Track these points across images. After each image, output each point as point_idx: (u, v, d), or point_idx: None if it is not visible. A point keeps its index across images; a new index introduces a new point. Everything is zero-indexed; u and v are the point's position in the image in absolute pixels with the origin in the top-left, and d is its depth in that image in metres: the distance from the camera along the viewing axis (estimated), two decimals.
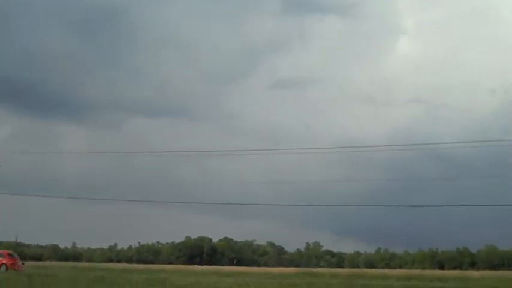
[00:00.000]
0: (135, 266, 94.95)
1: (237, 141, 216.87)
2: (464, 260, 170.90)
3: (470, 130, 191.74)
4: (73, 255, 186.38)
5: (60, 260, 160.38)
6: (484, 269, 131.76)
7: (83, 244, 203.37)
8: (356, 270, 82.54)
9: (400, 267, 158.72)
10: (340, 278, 56.49)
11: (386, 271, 75.21)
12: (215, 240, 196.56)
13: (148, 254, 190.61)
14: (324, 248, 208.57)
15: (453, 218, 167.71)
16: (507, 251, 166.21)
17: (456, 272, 72.29)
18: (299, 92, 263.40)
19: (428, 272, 68.88)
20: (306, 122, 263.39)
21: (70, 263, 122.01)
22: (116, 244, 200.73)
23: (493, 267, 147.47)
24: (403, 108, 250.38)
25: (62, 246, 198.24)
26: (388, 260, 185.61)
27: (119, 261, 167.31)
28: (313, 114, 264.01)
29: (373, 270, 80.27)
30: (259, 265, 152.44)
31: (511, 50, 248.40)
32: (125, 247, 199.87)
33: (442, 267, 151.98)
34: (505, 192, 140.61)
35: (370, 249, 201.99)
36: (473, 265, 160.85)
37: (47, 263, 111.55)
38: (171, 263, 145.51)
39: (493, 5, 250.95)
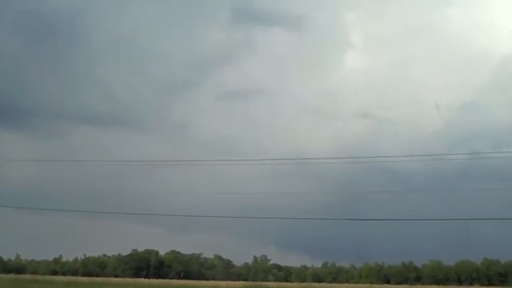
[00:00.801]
0: (79, 278, 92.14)
1: (185, 152, 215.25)
2: (409, 274, 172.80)
3: (413, 145, 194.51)
4: (16, 267, 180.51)
5: (2, 272, 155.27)
6: (430, 283, 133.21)
7: (27, 256, 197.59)
8: (306, 284, 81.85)
9: (347, 281, 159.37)
10: None
11: (335, 285, 74.71)
12: (162, 253, 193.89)
13: (94, 267, 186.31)
14: (271, 262, 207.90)
15: (399, 232, 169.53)
16: (451, 266, 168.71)
17: (404, 287, 72.25)
18: (247, 103, 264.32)
19: (377, 287, 68.59)
20: (253, 134, 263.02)
21: (12, 276, 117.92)
22: (61, 256, 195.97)
23: (437, 281, 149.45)
24: (350, 122, 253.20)
25: (5, 258, 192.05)
26: (335, 274, 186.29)
27: (63, 274, 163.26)
28: (261, 127, 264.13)
29: (322, 285, 79.71)
30: (206, 278, 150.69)
31: (455, 66, 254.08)
32: (70, 259, 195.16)
33: (388, 282, 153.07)
34: (449, 206, 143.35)
35: (317, 264, 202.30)
36: (418, 279, 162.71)
37: None
38: (117, 276, 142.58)
39: (437, 23, 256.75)
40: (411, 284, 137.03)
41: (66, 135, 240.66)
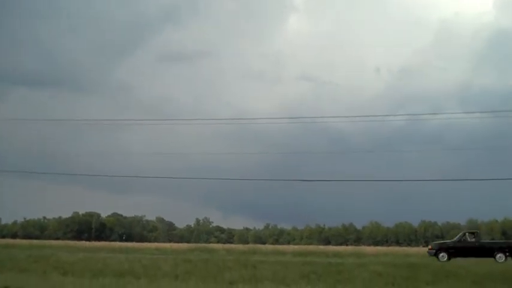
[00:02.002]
0: (18, 241, 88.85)
1: (126, 113, 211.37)
2: (349, 236, 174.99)
3: (355, 108, 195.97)
4: None
5: None
6: (369, 244, 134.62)
7: None
8: (251, 246, 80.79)
9: (289, 243, 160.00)
10: (235, 254, 54.17)
11: (280, 247, 73.97)
12: (104, 215, 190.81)
13: (34, 230, 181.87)
14: (213, 224, 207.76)
15: (339, 194, 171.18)
16: (390, 228, 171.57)
17: (349, 248, 72.02)
18: (190, 65, 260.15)
19: (322, 248, 68.19)
20: (196, 96, 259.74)
21: None
22: None
23: (376, 243, 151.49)
24: (292, 85, 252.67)
25: None
26: (277, 236, 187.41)
27: (3, 237, 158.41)
28: (204, 89, 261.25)
29: (267, 246, 78.83)
30: (149, 241, 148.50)
31: (398, 29, 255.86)
32: (9, 222, 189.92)
33: (328, 243, 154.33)
34: (389, 168, 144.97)
35: (259, 226, 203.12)
36: (358, 241, 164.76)
37: None
38: (58, 239, 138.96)
39: None
40: (350, 245, 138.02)
41: (2, 96, 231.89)
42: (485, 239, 66.87)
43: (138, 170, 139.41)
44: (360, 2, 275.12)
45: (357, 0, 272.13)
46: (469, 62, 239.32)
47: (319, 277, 33.35)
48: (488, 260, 43.05)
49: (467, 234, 49.26)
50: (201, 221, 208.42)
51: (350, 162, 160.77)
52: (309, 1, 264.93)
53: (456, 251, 46.67)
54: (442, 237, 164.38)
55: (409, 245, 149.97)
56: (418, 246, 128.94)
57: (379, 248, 74.35)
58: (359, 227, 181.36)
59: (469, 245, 46.52)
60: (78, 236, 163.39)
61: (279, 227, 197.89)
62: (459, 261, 43.34)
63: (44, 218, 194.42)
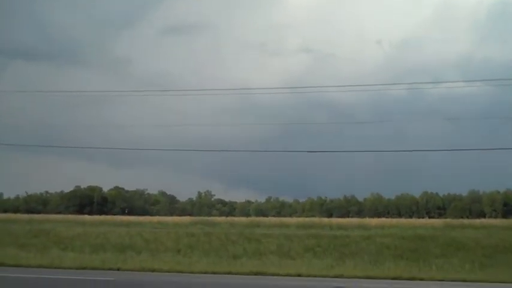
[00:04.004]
0: (19, 216, 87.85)
1: (126, 86, 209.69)
2: (351, 208, 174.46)
3: (356, 80, 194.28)
4: None
5: None
6: (370, 216, 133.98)
7: None
8: (253, 218, 79.92)
9: (290, 215, 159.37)
10: (238, 227, 53.38)
11: (283, 219, 72.99)
12: (105, 189, 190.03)
13: (37, 204, 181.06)
14: (215, 197, 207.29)
15: (341, 166, 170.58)
16: (391, 200, 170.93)
17: (354, 220, 71.14)
18: (190, 38, 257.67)
19: (325, 220, 67.21)
20: (196, 69, 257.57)
21: None
22: (1, 194, 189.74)
23: (378, 214, 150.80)
24: (293, 57, 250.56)
25: None
26: (279, 209, 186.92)
27: (5, 212, 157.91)
28: (204, 62, 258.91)
29: (270, 219, 77.92)
30: (151, 214, 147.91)
31: (397, 2, 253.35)
32: (12, 197, 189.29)
33: (330, 215, 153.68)
34: (389, 140, 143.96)
35: (261, 198, 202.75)
36: (359, 213, 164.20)
37: None
38: (59, 213, 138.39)
39: None
40: (352, 217, 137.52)
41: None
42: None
43: (139, 143, 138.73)
44: None
45: None
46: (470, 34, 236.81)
47: (325, 250, 32.56)
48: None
49: None
50: (203, 194, 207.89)
51: (351, 134, 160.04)
52: None
53: None
54: (444, 209, 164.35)
55: (410, 216, 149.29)
56: (420, 217, 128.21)
57: (384, 220, 73.19)
58: (360, 199, 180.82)
59: None
60: (80, 210, 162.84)
61: (280, 199, 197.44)
62: (469, 232, 42.43)
63: (46, 192, 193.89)
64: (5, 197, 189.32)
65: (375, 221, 68.05)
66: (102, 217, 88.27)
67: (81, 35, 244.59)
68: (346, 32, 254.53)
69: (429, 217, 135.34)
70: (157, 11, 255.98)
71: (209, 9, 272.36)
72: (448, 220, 72.54)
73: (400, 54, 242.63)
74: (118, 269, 26.95)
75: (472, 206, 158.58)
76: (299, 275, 25.57)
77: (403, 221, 77.71)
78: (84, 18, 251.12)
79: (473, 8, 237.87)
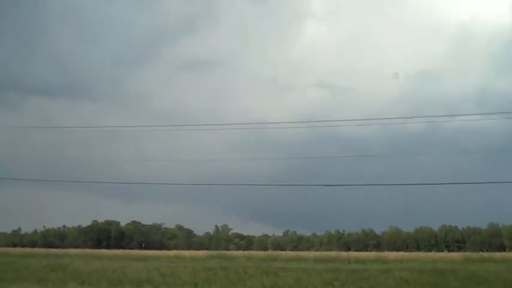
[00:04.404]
0: (36, 250, 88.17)
1: (142, 122, 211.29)
2: (369, 241, 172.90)
3: (372, 114, 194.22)
4: None
5: None
6: (389, 250, 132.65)
7: None
8: (271, 252, 79.56)
9: (308, 249, 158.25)
10: (255, 261, 53.08)
11: (300, 253, 72.58)
12: (123, 224, 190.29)
13: (54, 239, 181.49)
14: (232, 231, 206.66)
15: (359, 199, 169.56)
16: (410, 233, 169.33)
17: (372, 254, 70.49)
18: (205, 74, 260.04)
19: (343, 254, 66.73)
20: (210, 104, 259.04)
21: None
22: (20, 228, 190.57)
23: (396, 248, 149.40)
24: (308, 92, 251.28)
25: None
26: (296, 242, 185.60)
27: (23, 246, 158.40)
28: (218, 97, 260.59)
29: (287, 253, 77.49)
30: (168, 249, 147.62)
31: (414, 35, 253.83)
32: (30, 231, 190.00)
33: (348, 249, 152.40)
34: (406, 172, 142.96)
35: (278, 232, 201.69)
36: (378, 246, 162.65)
37: None
38: (77, 248, 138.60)
39: None
40: (370, 251, 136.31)
41: (17, 106, 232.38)
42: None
43: (156, 177, 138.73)
44: (379, 8, 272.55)
45: (376, 6, 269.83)
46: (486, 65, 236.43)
47: (343, 284, 32.19)
48: None
49: None
50: (220, 228, 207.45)
51: (367, 168, 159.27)
52: (327, 6, 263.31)
53: None
54: (463, 242, 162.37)
55: (429, 250, 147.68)
56: (439, 251, 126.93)
57: (402, 254, 72.63)
58: (378, 232, 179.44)
59: None
60: (98, 244, 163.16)
61: (298, 233, 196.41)
62: (489, 265, 41.89)
63: (64, 226, 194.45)
64: (23, 231, 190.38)
65: (393, 254, 67.59)
66: (120, 251, 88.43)
67: (97, 70, 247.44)
68: (363, 66, 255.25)
69: (448, 250, 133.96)
70: (171, 48, 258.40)
71: (223, 46, 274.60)
72: (468, 253, 71.78)
73: (416, 87, 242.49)
74: None
75: (492, 239, 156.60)
76: None
77: (421, 254, 77.04)
78: (100, 54, 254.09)
79: (490, 39, 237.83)
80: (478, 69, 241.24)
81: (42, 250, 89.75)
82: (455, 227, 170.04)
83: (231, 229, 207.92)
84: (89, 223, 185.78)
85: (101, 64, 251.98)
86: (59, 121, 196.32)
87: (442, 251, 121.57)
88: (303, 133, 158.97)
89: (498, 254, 67.26)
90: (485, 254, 65.99)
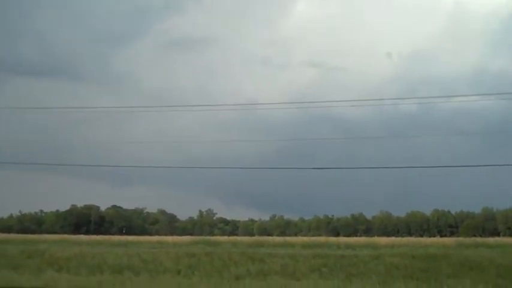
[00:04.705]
0: (12, 236, 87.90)
1: (127, 103, 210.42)
2: (359, 226, 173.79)
3: (364, 94, 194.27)
4: None
5: None
6: (379, 235, 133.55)
7: None
8: (257, 238, 79.80)
9: (296, 234, 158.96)
10: (241, 247, 53.21)
11: (287, 239, 72.84)
12: (103, 208, 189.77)
13: (31, 224, 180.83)
14: (217, 216, 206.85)
15: (348, 183, 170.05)
16: (401, 218, 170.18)
17: (362, 239, 70.94)
18: (193, 53, 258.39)
19: (332, 239, 67.06)
20: (201, 84, 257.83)
21: None
22: None
23: (387, 233, 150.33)
24: (300, 71, 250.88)
25: None
26: (283, 228, 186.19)
27: None
28: (208, 77, 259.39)
29: (274, 238, 77.78)
30: (150, 234, 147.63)
31: (408, 13, 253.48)
32: (5, 216, 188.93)
33: (337, 234, 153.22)
34: (399, 155, 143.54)
35: (265, 217, 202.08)
36: (368, 231, 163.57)
37: None
38: (55, 233, 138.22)
39: None
40: (360, 236, 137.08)
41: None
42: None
43: (139, 160, 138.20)
44: None
45: None
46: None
47: (332, 270, 32.31)
48: None
49: None
50: (204, 213, 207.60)
51: (359, 150, 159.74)
52: None
53: None
54: (456, 227, 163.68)
55: (421, 235, 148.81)
56: (431, 236, 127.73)
57: (393, 239, 73.08)
58: (369, 216, 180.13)
59: None
60: (76, 229, 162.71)
61: (285, 218, 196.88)
62: (483, 251, 42.24)
63: (41, 211, 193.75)
64: None
65: (384, 240, 67.98)
66: (99, 237, 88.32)
67: (81, 50, 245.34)
68: (355, 45, 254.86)
69: (441, 236, 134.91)
70: (157, 26, 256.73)
71: (211, 24, 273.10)
72: (461, 239, 72.32)
73: (409, 67, 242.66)
74: None
75: (486, 224, 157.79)
76: None
77: (413, 239, 77.58)
78: (84, 33, 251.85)
79: (487, 18, 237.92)
80: (474, 48, 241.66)
81: (19, 236, 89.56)
82: (448, 211, 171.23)
83: (216, 214, 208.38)
84: (68, 207, 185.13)
85: (86, 43, 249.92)
86: (40, 102, 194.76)
87: (434, 236, 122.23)
88: (294, 114, 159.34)
89: (492, 239, 67.87)
90: (479, 239, 66.57)
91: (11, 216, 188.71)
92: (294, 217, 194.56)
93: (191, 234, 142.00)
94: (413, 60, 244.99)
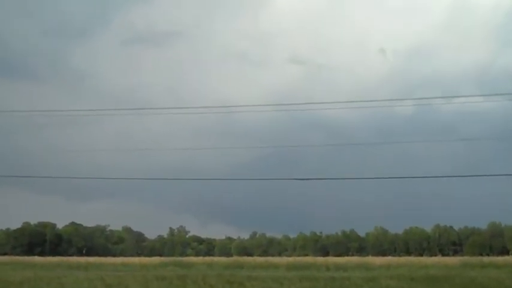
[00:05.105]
0: None
1: (85, 104, 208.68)
2: (351, 244, 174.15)
3: (355, 95, 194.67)
4: None
5: None
6: (374, 254, 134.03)
7: None
8: (236, 258, 79.80)
9: (280, 254, 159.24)
10: (217, 269, 53.17)
11: (271, 259, 72.95)
12: (60, 226, 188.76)
13: None
14: (190, 234, 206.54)
15: (338, 196, 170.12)
16: (399, 234, 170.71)
17: (354, 259, 71.10)
18: (160, 48, 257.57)
19: (321, 259, 67.20)
20: (170, 84, 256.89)
21: None
22: None
23: (383, 252, 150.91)
24: (281, 68, 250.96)
25: None
26: (266, 246, 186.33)
27: None
28: (177, 75, 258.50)
29: (255, 258, 77.85)
30: (114, 255, 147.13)
31: (403, 4, 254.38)
32: None
33: (326, 254, 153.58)
34: (395, 164, 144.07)
35: (244, 235, 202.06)
36: (361, 250, 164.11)
37: None
38: (5, 255, 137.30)
39: None
40: (352, 255, 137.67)
41: None
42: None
43: (100, 170, 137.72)
44: None
45: None
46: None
47: None
48: None
49: None
50: (176, 231, 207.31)
51: (350, 158, 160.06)
52: None
53: None
54: (460, 245, 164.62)
55: (421, 254, 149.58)
56: (432, 255, 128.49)
57: (389, 259, 73.45)
58: (362, 233, 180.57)
59: None
60: (30, 250, 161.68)
61: (267, 235, 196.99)
62: (490, 271, 42.49)
63: None
64: None
65: (379, 259, 68.29)
66: (56, 258, 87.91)
67: (32, 45, 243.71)
68: (343, 40, 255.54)
69: (443, 255, 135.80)
70: (119, 18, 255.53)
71: (181, 15, 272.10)
72: (465, 258, 72.78)
73: (406, 65, 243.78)
74: None
75: (493, 241, 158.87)
76: None
77: (412, 259, 77.98)
78: (35, 27, 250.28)
79: (492, 9, 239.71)
80: (478, 43, 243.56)
81: None
82: (451, 227, 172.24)
83: (189, 231, 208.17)
84: (19, 225, 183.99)
85: (39, 37, 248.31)
86: None
87: (435, 255, 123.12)
88: (276, 117, 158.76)
89: (500, 258, 68.34)
90: (485, 259, 66.97)
91: None
92: (277, 235, 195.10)
93: (161, 255, 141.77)
94: (409, 57, 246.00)
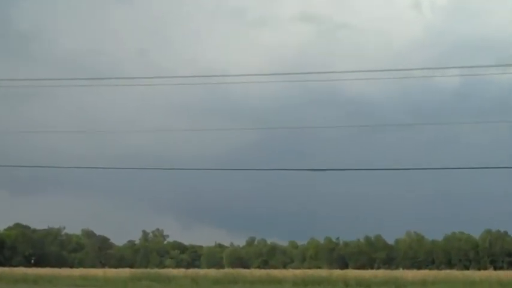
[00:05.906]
0: None
1: (34, 74, 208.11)
2: (376, 255, 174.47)
3: (382, 62, 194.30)
4: None
5: None
6: (406, 267, 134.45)
7: None
8: (228, 270, 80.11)
9: (284, 266, 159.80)
10: (204, 284, 53.43)
11: (273, 272, 73.30)
12: (1, 228, 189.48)
13: None
14: (169, 239, 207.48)
15: (360, 192, 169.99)
16: (438, 242, 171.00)
17: (379, 273, 71.43)
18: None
19: (337, 273, 67.41)
20: (142, 46, 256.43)
21: None
22: None
23: (417, 264, 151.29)
24: (288, 29, 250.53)
25: None
26: (266, 256, 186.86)
27: None
28: (151, 36, 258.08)
29: (252, 271, 78.25)
30: (71, 266, 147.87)
31: None
32: None
33: (345, 266, 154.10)
34: (434, 153, 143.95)
35: (239, 241, 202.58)
36: (389, 262, 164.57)
37: None
38: None
39: None
40: (378, 268, 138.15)
41: None
42: None
43: (52, 157, 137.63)
44: None
45: None
46: None
47: None
48: None
49: None
50: (151, 235, 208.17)
51: (376, 143, 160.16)
52: None
53: None
54: None
55: (466, 267, 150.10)
56: (481, 268, 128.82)
57: (426, 273, 73.69)
58: (390, 241, 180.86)
59: None
60: None
61: (268, 242, 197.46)
62: None
63: None
64: None
65: (412, 273, 68.52)
66: None
67: None
68: None
69: (495, 268, 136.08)
70: None
71: None
72: None
73: (448, 22, 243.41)
74: None
75: None
76: None
77: (455, 273, 78.21)
78: None
79: None
80: None
81: None
82: (505, 232, 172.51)
83: (167, 236, 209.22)
84: None
85: None
86: None
87: (485, 269, 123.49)
88: (280, 90, 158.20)
89: None
90: None
91: None
92: (281, 241, 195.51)
93: (131, 266, 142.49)
94: (452, 14, 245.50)
